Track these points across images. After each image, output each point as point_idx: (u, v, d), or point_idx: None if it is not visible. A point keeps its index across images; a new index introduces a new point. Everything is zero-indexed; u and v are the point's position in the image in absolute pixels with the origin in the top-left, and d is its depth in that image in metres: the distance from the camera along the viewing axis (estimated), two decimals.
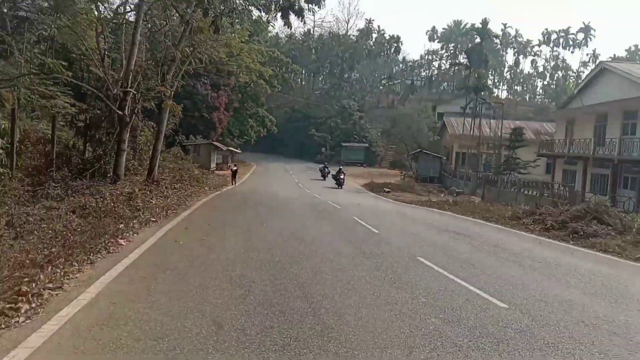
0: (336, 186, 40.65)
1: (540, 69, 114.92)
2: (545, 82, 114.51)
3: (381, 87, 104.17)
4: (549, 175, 38.84)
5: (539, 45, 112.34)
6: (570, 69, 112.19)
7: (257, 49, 28.67)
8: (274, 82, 57.31)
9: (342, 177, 41.40)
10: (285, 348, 4.92)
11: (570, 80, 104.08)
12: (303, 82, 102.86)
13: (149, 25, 22.01)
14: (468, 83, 59.06)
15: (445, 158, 56.54)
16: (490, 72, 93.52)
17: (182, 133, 40.95)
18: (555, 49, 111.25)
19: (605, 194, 27.68)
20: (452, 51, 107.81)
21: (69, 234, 9.23)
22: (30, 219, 9.90)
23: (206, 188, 27.66)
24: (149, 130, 24.80)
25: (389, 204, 29.87)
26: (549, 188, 30.93)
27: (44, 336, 4.88)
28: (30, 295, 5.87)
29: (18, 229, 9.00)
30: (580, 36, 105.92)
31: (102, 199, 13.45)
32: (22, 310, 5.45)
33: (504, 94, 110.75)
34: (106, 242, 9.45)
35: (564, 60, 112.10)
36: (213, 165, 45.25)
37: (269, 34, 74.70)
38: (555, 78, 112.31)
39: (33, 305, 5.69)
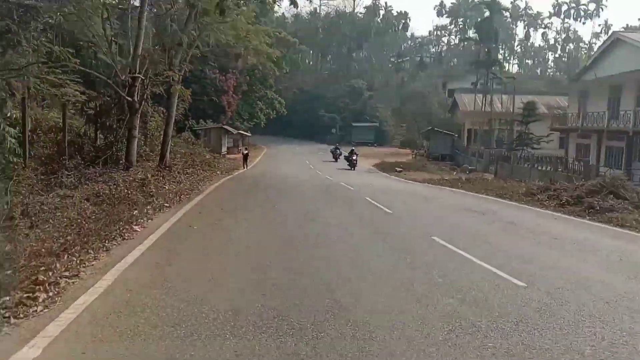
0: (349, 168, 39.89)
1: (552, 42, 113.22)
2: (557, 55, 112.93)
3: (390, 66, 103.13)
4: (562, 150, 38.39)
5: (550, 17, 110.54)
6: (582, 40, 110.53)
7: (264, 29, 28.29)
8: (282, 63, 56.93)
9: (354, 158, 40.52)
10: (302, 332, 4.90)
11: (583, 53, 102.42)
12: (311, 63, 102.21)
13: (155, 10, 21.85)
14: (478, 58, 58.30)
15: (456, 135, 56.06)
16: (500, 47, 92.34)
17: (192, 118, 40.90)
18: (566, 20, 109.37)
19: (620, 168, 27.32)
20: (461, 26, 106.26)
21: (84, 222, 9.28)
22: (45, 207, 9.95)
23: (218, 172, 27.70)
24: (159, 115, 24.77)
25: (401, 184, 29.74)
26: (562, 163, 30.59)
27: (62, 325, 4.89)
28: (47, 284, 5.90)
29: (33, 218, 9.05)
30: (592, 6, 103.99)
31: (115, 186, 13.50)
32: (40, 300, 5.46)
33: (515, 69, 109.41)
34: (121, 228, 9.47)
35: (575, 32, 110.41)
36: (224, 149, 45.22)
37: (275, 15, 74.09)
38: (567, 50, 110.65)
39: (50, 294, 5.70)
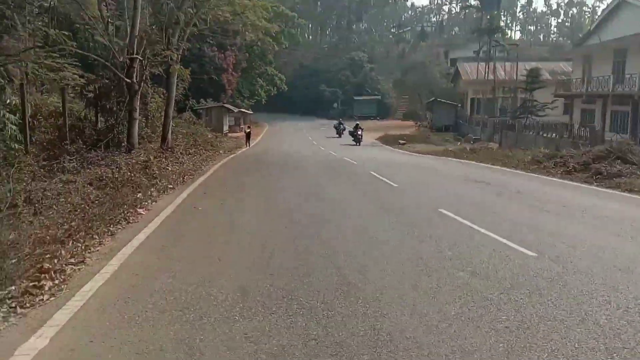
0: (354, 143, 38.96)
1: (554, 7, 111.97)
2: (560, 20, 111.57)
3: (391, 37, 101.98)
4: (567, 116, 38.00)
5: None
6: (585, 4, 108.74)
7: (261, 4, 27.84)
8: (281, 38, 56.24)
9: (359, 133, 39.52)
10: (312, 312, 4.83)
11: (586, 17, 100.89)
12: (310, 37, 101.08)
13: None
14: (480, 26, 57.46)
15: (460, 105, 55.58)
16: (502, 13, 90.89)
17: (192, 97, 40.55)
18: None
19: (625, 133, 27.04)
20: None
21: (88, 207, 9.20)
22: (48, 193, 9.85)
23: (221, 151, 27.60)
24: (160, 96, 24.55)
25: (405, 156, 29.59)
26: (568, 130, 30.29)
27: (69, 313, 4.83)
28: (53, 271, 5.84)
29: (36, 205, 8.97)
30: None
31: (118, 169, 13.39)
32: (46, 288, 5.41)
33: (517, 35, 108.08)
34: (125, 212, 9.40)
35: None
36: (226, 128, 45.00)
37: None
38: (570, 15, 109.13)
39: (56, 281, 5.65)
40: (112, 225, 8.39)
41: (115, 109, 18.98)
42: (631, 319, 4.66)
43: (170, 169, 16.20)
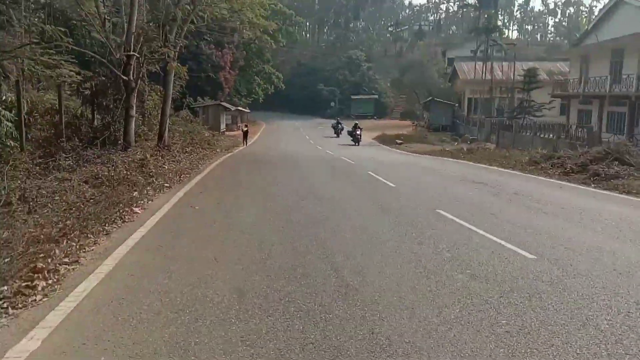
0: (352, 143, 38.51)
1: (551, 6, 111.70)
2: (557, 20, 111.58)
3: (388, 35, 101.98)
4: (564, 116, 38.01)
5: None
6: (582, 4, 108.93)
7: (259, 2, 27.77)
8: (279, 36, 56.14)
9: (358, 132, 39.00)
10: (310, 314, 4.76)
11: (583, 16, 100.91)
12: (308, 35, 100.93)
13: None
14: (478, 25, 57.47)
15: (457, 105, 55.59)
16: (500, 12, 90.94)
17: (189, 95, 40.45)
18: None
19: (622, 134, 27.04)
20: None
21: (83, 205, 9.09)
22: (43, 192, 9.74)
23: (218, 150, 27.49)
24: (157, 94, 24.43)
25: (402, 156, 29.55)
26: (565, 130, 30.29)
27: (62, 314, 4.74)
28: (46, 271, 5.74)
29: (31, 203, 8.86)
30: None
31: (114, 167, 13.29)
32: (39, 288, 5.31)
33: (514, 35, 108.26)
34: (121, 211, 9.30)
35: None
36: (223, 126, 44.86)
37: None
38: (567, 15, 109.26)
39: (50, 281, 5.56)
40: (107, 224, 8.29)
41: (111, 106, 18.86)
42: (633, 324, 4.61)
43: (166, 167, 16.10)
